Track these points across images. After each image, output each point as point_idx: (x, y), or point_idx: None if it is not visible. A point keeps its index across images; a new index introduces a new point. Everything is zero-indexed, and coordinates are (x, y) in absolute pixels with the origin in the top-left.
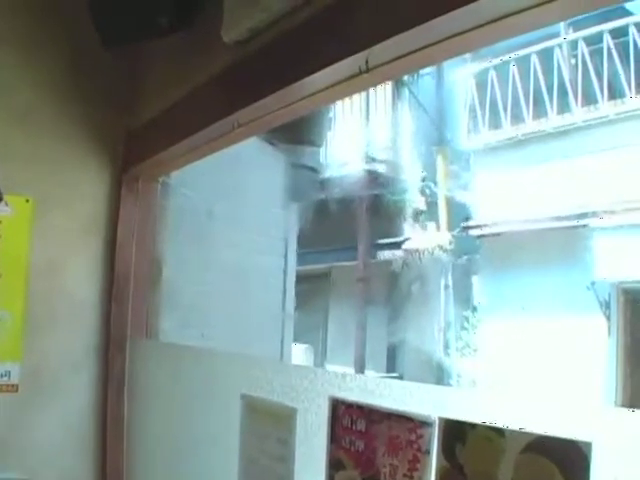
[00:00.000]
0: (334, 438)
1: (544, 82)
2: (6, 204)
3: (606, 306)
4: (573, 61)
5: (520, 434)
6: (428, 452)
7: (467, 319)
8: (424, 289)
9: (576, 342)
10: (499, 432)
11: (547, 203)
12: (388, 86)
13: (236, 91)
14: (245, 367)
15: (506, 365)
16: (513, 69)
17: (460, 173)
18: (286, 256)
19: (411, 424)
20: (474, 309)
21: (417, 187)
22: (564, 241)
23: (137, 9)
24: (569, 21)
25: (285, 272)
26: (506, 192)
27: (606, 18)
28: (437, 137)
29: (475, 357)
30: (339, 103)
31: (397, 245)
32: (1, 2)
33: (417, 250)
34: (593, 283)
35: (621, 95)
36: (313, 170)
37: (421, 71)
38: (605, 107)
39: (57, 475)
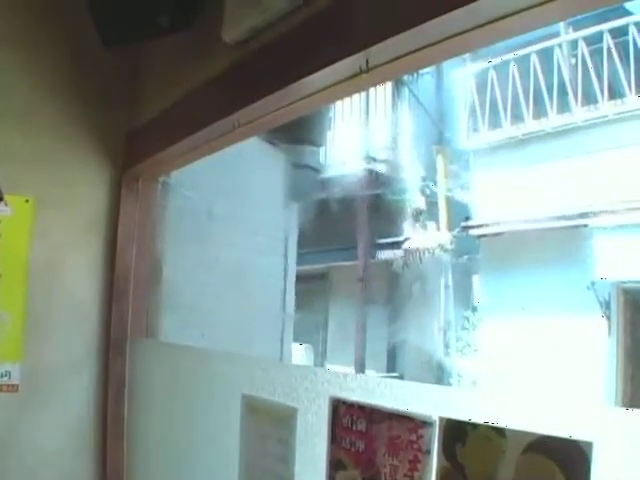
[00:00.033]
0: (335, 438)
1: (544, 82)
2: (6, 204)
3: (606, 306)
4: (573, 61)
5: (521, 434)
6: (429, 452)
7: (467, 319)
8: (424, 289)
9: (576, 342)
10: (500, 432)
11: (547, 203)
12: (388, 86)
13: (236, 91)
14: (245, 367)
15: (506, 365)
16: (513, 69)
17: (460, 173)
18: (286, 256)
19: (412, 424)
20: (474, 309)
21: (417, 187)
22: (564, 241)
23: (137, 9)
24: (569, 21)
25: (285, 272)
26: (506, 192)
27: (606, 18)
28: (437, 137)
29: (475, 357)
30: (339, 103)
31: (397, 245)
32: (1, 2)
33: (417, 250)
34: (593, 283)
35: (621, 95)
36: (313, 170)
37: (421, 71)
38: (605, 107)
39: (57, 475)
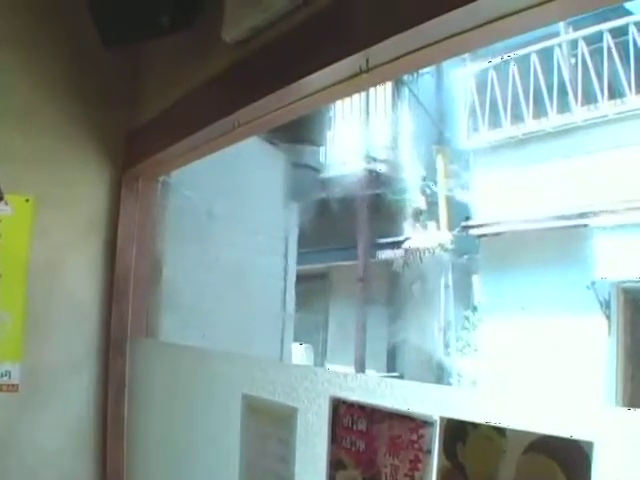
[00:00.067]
0: (335, 438)
1: (544, 82)
2: (6, 204)
3: (606, 306)
4: (573, 61)
5: (522, 434)
6: (429, 452)
7: (467, 319)
8: (424, 289)
9: (576, 342)
10: (500, 432)
11: (547, 203)
12: (388, 86)
13: (236, 91)
14: (245, 367)
15: (506, 365)
16: (513, 69)
17: (460, 173)
18: (286, 256)
19: (412, 424)
20: (474, 309)
21: (417, 187)
22: (564, 241)
23: (137, 9)
24: (569, 21)
25: (285, 272)
26: (506, 192)
27: (606, 18)
28: (437, 137)
29: (475, 357)
30: (339, 103)
31: (397, 245)
32: (1, 2)
33: (417, 250)
34: (593, 283)
35: (621, 95)
36: (313, 170)
37: (421, 70)
38: (605, 107)
39: (57, 475)
